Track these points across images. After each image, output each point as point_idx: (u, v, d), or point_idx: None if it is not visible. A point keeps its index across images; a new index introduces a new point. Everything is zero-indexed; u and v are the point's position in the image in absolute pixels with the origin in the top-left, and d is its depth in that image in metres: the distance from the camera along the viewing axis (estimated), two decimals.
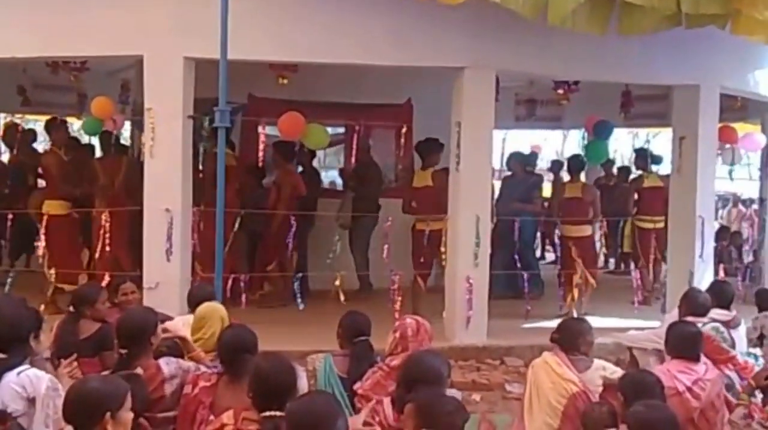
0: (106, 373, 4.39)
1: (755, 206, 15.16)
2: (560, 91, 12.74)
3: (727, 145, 10.26)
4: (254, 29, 7.60)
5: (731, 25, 7.58)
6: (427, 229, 9.07)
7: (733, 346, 6.06)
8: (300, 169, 10.57)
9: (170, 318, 5.46)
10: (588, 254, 10.10)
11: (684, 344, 5.19)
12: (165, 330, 4.82)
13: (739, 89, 10.20)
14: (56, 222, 9.07)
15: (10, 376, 3.97)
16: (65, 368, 4.58)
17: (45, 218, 8.95)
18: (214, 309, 5.21)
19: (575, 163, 10.61)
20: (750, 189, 19.52)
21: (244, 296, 8.51)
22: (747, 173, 21.19)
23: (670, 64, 9.14)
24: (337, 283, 8.54)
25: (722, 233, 13.47)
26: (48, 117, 10.93)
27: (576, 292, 9.74)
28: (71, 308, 5.78)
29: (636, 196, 11.76)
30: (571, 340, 5.09)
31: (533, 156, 13.52)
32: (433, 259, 9.25)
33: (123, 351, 4.47)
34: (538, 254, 13.51)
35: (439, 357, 4.28)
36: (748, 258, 13.29)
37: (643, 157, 11.87)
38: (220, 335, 4.59)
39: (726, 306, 6.50)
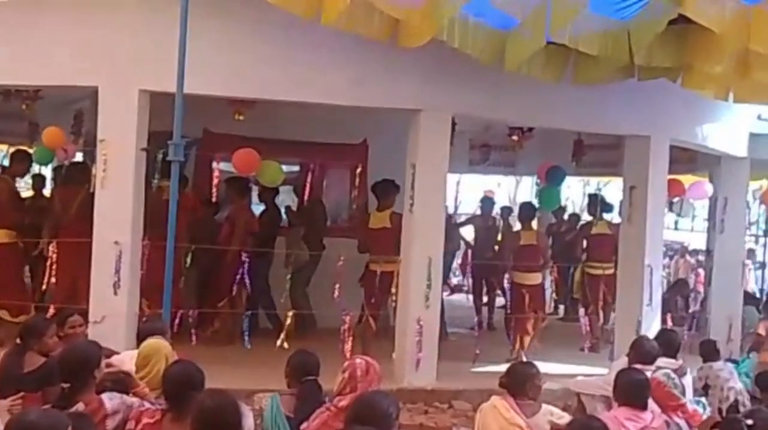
0: (46, 407, 4.28)
1: (701, 257, 15.38)
2: (514, 137, 12.85)
3: (676, 198, 10.44)
4: (211, 64, 7.57)
5: (682, 79, 7.79)
6: (379, 269, 9.07)
7: (683, 393, 6.11)
8: (263, 207, 10.50)
9: (116, 352, 5.37)
10: (539, 303, 10.18)
11: (632, 391, 5.22)
12: (109, 365, 4.72)
13: (689, 141, 10.36)
14: (2, 251, 8.90)
15: None
16: (7, 403, 4.46)
17: None
18: (160, 346, 5.09)
19: (526, 211, 10.64)
20: (694, 240, 19.90)
21: (194, 333, 8.40)
22: (690, 225, 21.57)
23: (623, 114, 9.30)
24: (288, 322, 8.47)
25: (677, 285, 13.67)
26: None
27: (527, 338, 9.76)
28: (18, 340, 5.62)
29: (585, 242, 11.89)
30: (520, 384, 5.09)
31: (488, 201, 13.57)
32: (386, 299, 9.22)
33: (65, 385, 4.37)
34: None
35: (388, 398, 4.23)
36: (694, 308, 13.44)
37: (595, 203, 12.00)
38: (166, 370, 4.49)
39: (673, 355, 6.56)
